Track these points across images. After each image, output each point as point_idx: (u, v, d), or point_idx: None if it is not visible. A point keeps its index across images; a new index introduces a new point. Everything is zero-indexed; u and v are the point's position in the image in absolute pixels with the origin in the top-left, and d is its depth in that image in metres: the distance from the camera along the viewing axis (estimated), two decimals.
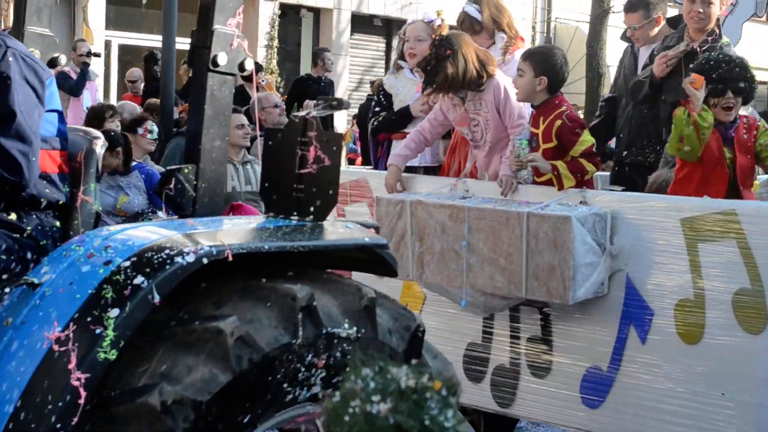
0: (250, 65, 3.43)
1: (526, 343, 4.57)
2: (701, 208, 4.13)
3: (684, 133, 4.40)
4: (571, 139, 4.57)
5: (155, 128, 7.40)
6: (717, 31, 5.13)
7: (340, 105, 3.56)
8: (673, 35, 5.30)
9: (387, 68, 18.66)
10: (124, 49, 15.81)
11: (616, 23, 14.91)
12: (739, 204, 4.07)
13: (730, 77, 4.40)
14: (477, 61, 4.83)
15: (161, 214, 6.48)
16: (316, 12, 17.24)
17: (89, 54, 10.93)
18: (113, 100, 13.73)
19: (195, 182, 3.28)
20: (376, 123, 5.38)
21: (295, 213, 3.17)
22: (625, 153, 4.85)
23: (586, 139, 4.63)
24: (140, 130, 6.88)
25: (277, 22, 16.14)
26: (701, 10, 5.03)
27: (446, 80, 4.77)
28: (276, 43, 15.96)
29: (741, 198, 4.41)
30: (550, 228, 4.15)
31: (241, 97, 10.83)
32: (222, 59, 3.32)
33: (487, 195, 4.58)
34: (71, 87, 10.41)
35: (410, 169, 5.18)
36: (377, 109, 5.49)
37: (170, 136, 7.96)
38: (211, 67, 3.32)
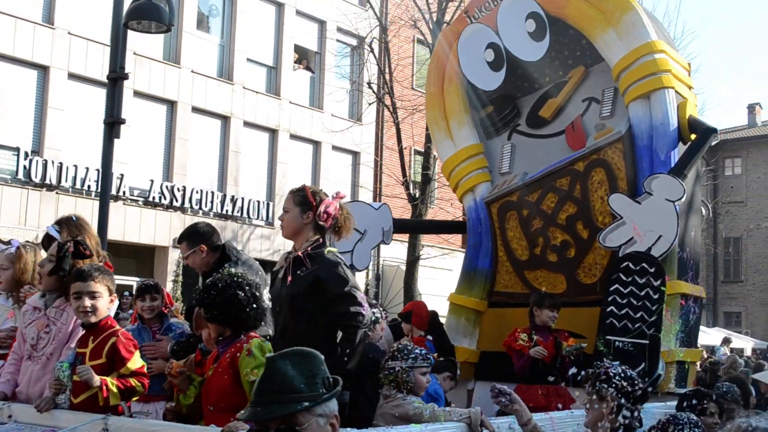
0: None
1: None
2: None
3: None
4: (124, 357, 4.71)
5: None
6: (321, 239, 5.16)
7: None
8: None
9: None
10: None
11: (425, 264, 23.11)
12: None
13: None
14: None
15: None
16: None
17: None
18: None
19: None
20: None
21: None
22: None
23: (138, 359, 4.76)
24: None
25: (181, 264, 21.74)
26: (281, 221, 5.23)
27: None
28: (180, 278, 22.59)
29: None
30: None
31: None
32: None
33: (28, 419, 4.63)
34: None
35: None
36: None
37: None
38: None
